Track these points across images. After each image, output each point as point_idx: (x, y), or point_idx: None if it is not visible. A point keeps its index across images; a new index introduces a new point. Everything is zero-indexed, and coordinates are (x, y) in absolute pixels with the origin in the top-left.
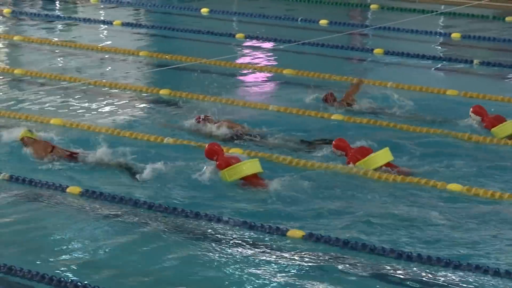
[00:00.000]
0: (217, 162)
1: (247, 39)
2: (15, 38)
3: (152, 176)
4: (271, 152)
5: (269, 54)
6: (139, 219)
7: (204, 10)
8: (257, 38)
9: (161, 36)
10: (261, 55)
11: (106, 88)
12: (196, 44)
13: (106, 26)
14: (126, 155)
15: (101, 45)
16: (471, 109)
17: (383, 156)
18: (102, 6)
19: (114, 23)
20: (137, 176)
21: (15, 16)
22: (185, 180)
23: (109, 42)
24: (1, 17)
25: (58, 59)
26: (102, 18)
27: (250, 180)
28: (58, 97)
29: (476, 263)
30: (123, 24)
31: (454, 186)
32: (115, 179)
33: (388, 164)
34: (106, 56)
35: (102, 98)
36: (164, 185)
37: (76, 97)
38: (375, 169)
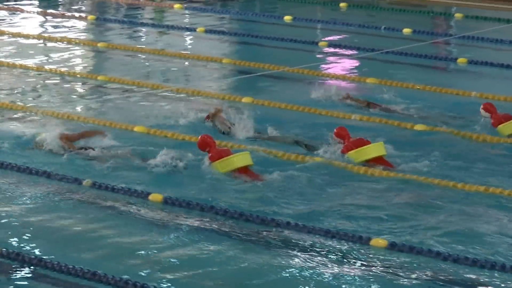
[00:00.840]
0: (209, 154)
1: (330, 47)
2: (99, 44)
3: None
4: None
5: (351, 62)
6: (217, 225)
7: (287, 18)
8: (340, 46)
9: (244, 43)
10: (343, 63)
11: (189, 95)
12: (279, 52)
13: (189, 33)
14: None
15: (184, 52)
16: (482, 106)
17: (374, 149)
18: (186, 12)
19: (197, 30)
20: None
21: (99, 23)
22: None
23: (192, 49)
24: (86, 23)
25: (142, 65)
26: (186, 25)
27: (243, 172)
28: (142, 104)
29: None
30: (206, 31)
31: None
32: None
33: (380, 160)
34: (189, 63)
35: (185, 105)
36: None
37: (160, 104)
38: (369, 164)
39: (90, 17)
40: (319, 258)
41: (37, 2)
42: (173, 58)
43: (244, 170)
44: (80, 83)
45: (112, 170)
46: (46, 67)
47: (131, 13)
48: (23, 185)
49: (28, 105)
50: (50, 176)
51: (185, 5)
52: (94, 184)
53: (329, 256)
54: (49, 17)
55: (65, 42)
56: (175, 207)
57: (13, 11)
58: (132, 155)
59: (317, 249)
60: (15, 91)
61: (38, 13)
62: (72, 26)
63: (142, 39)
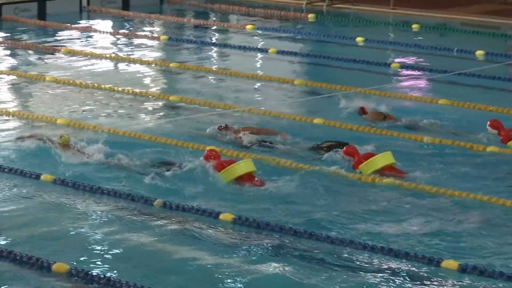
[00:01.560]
0: (214, 165)
1: (402, 69)
2: (171, 65)
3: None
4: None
5: (424, 84)
6: (291, 245)
7: (359, 39)
8: (411, 68)
9: (315, 64)
10: (416, 85)
11: (260, 116)
12: (350, 73)
13: (261, 53)
14: None
15: (256, 72)
16: (488, 122)
17: (383, 158)
18: (258, 33)
19: (269, 51)
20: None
21: (171, 43)
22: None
23: (264, 70)
24: (158, 43)
25: (213, 86)
26: (257, 45)
27: (246, 179)
28: (213, 124)
29: None
30: (278, 52)
31: None
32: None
33: (391, 169)
34: (261, 84)
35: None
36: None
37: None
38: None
39: (162, 37)
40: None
41: (110, 22)
42: (244, 79)
43: (249, 177)
44: (152, 103)
45: (178, 187)
46: (119, 87)
47: (203, 34)
48: (92, 204)
49: (102, 125)
50: (119, 195)
51: (257, 26)
52: (165, 204)
53: (397, 277)
54: (121, 37)
55: (137, 62)
56: (245, 226)
57: (86, 31)
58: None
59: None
60: (87, 111)
61: (110, 33)
62: (144, 46)
63: (214, 60)
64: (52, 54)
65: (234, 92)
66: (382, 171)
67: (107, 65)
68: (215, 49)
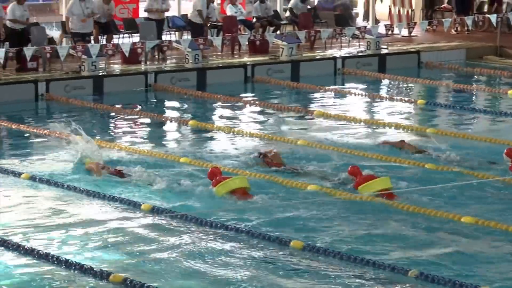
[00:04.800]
0: (213, 181)
1: None
2: (428, 130)
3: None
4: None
5: None
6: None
7: None
8: None
9: None
10: None
11: None
12: None
13: None
14: None
15: None
16: (505, 150)
17: (380, 182)
18: None
19: None
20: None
21: (428, 108)
22: None
23: None
24: (414, 108)
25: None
26: None
27: (238, 194)
28: None
29: None
30: None
31: None
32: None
33: (387, 194)
34: None
35: None
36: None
37: None
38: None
39: (419, 101)
40: None
41: (364, 85)
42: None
43: (243, 193)
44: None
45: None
46: (368, 152)
47: (462, 99)
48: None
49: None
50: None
51: None
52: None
53: None
54: (376, 100)
55: (392, 126)
56: (314, 252)
57: (340, 93)
58: None
59: None
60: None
61: (365, 95)
62: (399, 111)
63: (473, 126)
64: (304, 116)
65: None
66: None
67: (360, 129)
68: (475, 115)
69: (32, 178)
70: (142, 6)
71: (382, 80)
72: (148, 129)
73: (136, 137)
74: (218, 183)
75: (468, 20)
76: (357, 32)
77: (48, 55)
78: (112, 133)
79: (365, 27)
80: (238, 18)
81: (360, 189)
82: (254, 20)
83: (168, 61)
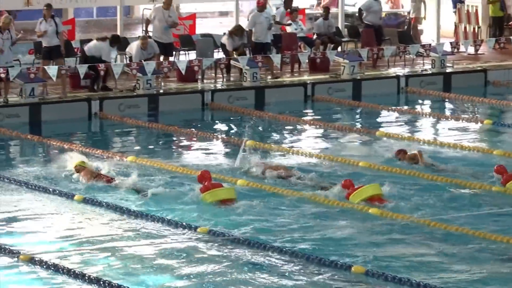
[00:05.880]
0: (202, 187)
1: None
2: (495, 152)
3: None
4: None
5: None
6: None
7: None
8: None
9: None
10: None
11: None
12: None
13: None
14: None
15: None
16: (494, 167)
17: (370, 189)
18: None
19: None
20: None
21: (495, 128)
22: None
23: None
24: (480, 128)
25: None
26: None
27: (223, 202)
28: None
29: None
30: None
31: None
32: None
33: (378, 199)
34: None
35: None
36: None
37: None
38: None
39: (486, 121)
40: None
41: (428, 104)
42: None
43: (226, 201)
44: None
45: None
46: (433, 174)
47: None
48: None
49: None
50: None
51: None
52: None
53: None
54: (440, 120)
55: (457, 147)
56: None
57: (403, 113)
58: None
59: None
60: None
61: (429, 115)
62: (465, 130)
63: None
64: (366, 136)
65: None
66: (371, 201)
67: (425, 149)
68: None
69: (85, 200)
70: (199, 22)
71: (447, 99)
72: (204, 149)
73: (189, 157)
74: (206, 189)
75: None
76: (421, 50)
77: (102, 72)
78: (165, 153)
79: (430, 44)
80: (298, 35)
81: (351, 198)
82: (315, 37)
83: (224, 79)
